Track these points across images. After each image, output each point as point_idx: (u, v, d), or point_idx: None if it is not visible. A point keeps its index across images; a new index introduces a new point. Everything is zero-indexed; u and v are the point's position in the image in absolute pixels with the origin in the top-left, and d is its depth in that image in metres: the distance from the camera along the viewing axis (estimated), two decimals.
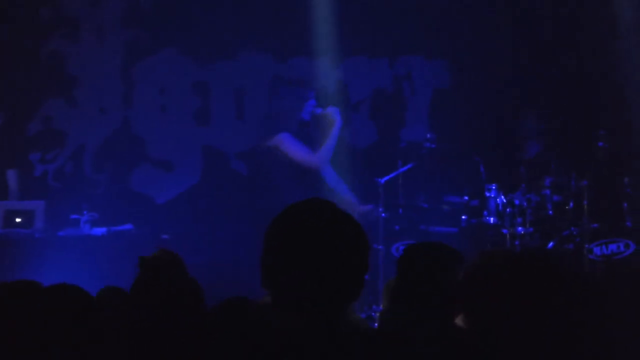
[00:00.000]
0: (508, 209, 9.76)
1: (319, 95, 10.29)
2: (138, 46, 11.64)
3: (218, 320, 3.63)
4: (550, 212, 9.80)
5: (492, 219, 9.79)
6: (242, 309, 3.65)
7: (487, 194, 9.84)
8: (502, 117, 11.30)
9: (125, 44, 11.64)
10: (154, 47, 11.66)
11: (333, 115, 10.12)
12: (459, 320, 4.36)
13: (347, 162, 10.51)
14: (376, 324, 7.62)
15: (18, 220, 10.27)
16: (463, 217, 9.97)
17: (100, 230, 10.40)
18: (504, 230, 9.71)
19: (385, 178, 10.02)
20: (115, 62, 11.63)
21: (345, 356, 2.92)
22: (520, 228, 9.69)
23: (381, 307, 7.07)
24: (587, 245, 9.57)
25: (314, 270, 2.92)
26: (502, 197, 9.85)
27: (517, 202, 9.75)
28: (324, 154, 10.02)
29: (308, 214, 3.01)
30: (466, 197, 10.05)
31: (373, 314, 9.07)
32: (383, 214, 9.87)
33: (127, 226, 10.57)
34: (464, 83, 11.69)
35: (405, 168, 10.21)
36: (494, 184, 9.89)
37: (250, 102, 11.72)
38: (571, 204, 9.76)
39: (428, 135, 10.59)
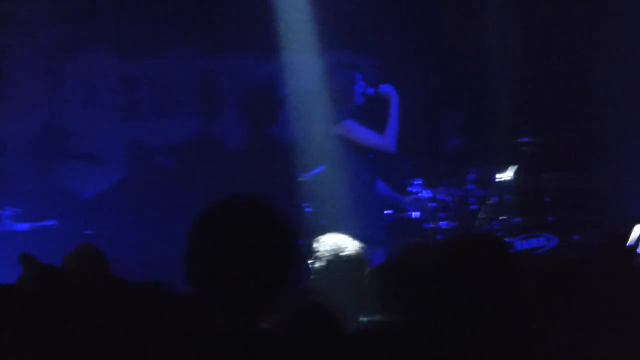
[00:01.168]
0: (431, 204, 9.82)
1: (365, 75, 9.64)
2: (65, 41, 11.56)
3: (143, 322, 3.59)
4: (474, 206, 9.88)
5: (415, 213, 9.85)
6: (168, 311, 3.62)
7: (411, 189, 9.90)
8: (427, 112, 11.37)
9: (52, 39, 11.57)
10: (81, 42, 11.60)
11: (388, 93, 9.52)
12: None
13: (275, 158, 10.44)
14: None
15: None
16: (387, 212, 10.01)
17: (23, 226, 10.32)
18: (427, 225, 9.77)
19: (312, 173, 9.93)
20: (41, 57, 11.55)
21: (278, 350, 2.94)
22: (443, 222, 9.76)
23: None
24: (507, 240, 9.65)
25: (237, 267, 2.94)
26: (427, 191, 9.89)
27: (440, 196, 9.80)
28: (392, 135, 9.35)
29: (228, 211, 3.03)
30: None
31: None
32: (307, 209, 9.81)
33: (51, 222, 10.50)
34: (389, 78, 11.74)
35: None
36: (418, 179, 9.94)
37: (176, 97, 11.71)
38: (493, 199, 9.85)
39: None
